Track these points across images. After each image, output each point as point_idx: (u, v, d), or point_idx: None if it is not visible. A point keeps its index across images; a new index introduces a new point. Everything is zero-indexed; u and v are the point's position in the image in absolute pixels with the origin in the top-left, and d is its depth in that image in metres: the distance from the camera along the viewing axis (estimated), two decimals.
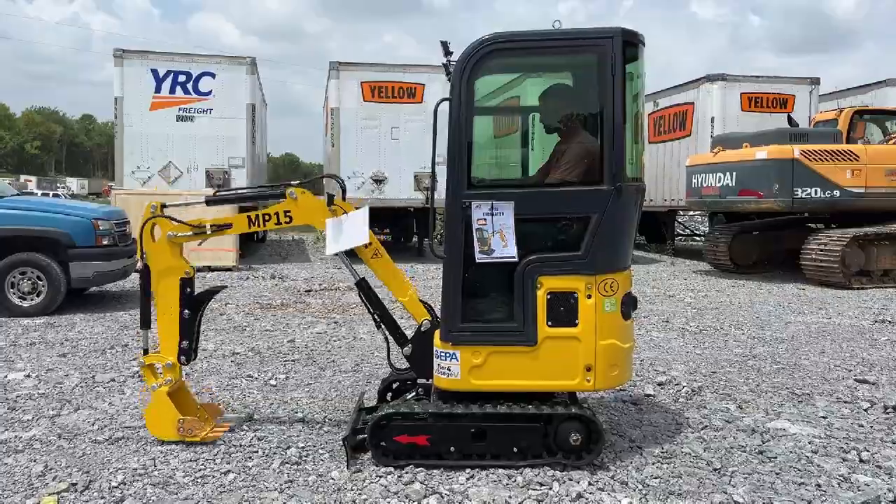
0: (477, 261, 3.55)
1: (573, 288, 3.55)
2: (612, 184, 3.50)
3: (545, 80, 4.25)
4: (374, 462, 3.64)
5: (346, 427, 3.97)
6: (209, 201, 4.18)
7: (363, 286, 4.03)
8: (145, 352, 4.05)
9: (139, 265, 4.04)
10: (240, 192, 4.26)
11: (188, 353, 4.04)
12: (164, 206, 4.02)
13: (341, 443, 3.76)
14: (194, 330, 4.06)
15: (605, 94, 3.53)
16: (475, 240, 3.53)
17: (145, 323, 4.09)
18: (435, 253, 3.73)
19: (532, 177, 4.22)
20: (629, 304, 3.70)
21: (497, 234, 3.53)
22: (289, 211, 3.95)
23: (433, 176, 3.77)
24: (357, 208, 3.97)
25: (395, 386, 4.32)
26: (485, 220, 3.52)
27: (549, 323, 3.55)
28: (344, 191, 4.12)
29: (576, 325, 3.56)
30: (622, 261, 3.70)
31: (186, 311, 4.00)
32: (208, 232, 4.01)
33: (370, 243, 3.88)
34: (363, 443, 3.72)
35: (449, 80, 3.67)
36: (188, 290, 4.01)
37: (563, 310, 3.55)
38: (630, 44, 3.59)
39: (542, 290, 3.54)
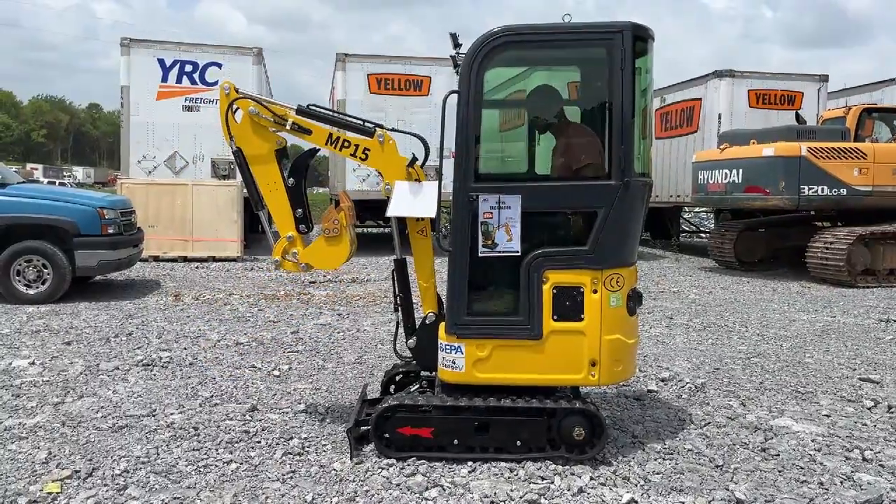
0: (479, 255, 3.54)
1: (579, 282, 3.55)
2: (620, 179, 3.49)
3: (553, 73, 4.23)
4: (376, 454, 3.64)
5: (350, 419, 3.98)
6: (300, 110, 4.06)
7: (400, 265, 4.05)
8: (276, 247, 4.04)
9: (232, 148, 3.99)
10: (335, 113, 4.23)
11: (306, 220, 4.03)
12: (236, 88, 3.95)
13: (345, 434, 3.77)
14: (303, 196, 4.05)
15: (614, 89, 3.51)
16: (479, 234, 3.53)
17: (258, 204, 4.07)
18: (441, 246, 3.73)
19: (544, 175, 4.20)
20: (634, 300, 3.70)
21: (502, 227, 3.52)
22: (368, 149, 3.91)
23: (440, 170, 3.76)
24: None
25: (398, 378, 4.33)
26: (491, 213, 3.52)
27: (555, 317, 3.55)
28: (427, 154, 4.03)
29: (581, 319, 3.56)
30: (628, 256, 3.69)
31: (291, 179, 4.00)
32: (288, 127, 3.96)
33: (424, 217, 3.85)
34: (367, 434, 3.73)
35: (457, 72, 3.65)
36: (285, 159, 4.00)
37: (569, 304, 3.55)
38: (640, 38, 3.57)
39: (548, 284, 3.54)
